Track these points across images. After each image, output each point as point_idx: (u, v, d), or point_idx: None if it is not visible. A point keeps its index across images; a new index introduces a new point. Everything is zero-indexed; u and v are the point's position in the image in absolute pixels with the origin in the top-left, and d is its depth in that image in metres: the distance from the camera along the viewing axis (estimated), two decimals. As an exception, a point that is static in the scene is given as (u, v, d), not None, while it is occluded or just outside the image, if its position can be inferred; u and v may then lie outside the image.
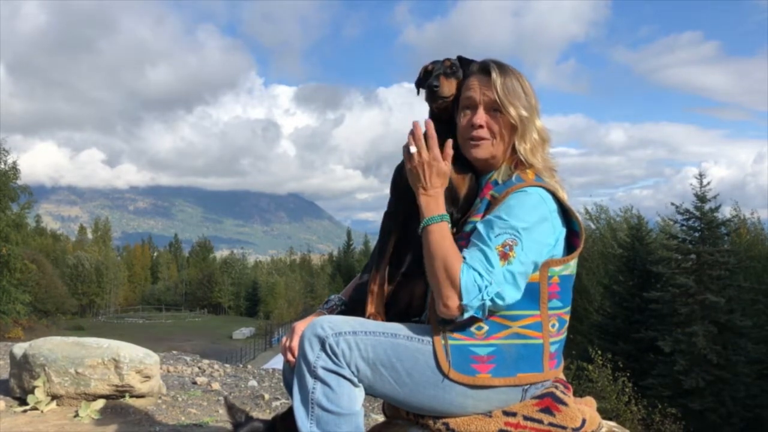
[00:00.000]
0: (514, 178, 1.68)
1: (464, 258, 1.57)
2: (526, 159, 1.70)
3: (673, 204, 21.14)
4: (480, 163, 1.76)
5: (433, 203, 1.66)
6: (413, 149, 1.67)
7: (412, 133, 1.68)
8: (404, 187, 1.76)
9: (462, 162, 1.77)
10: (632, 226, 24.85)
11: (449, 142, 1.69)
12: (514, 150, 1.72)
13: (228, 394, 4.13)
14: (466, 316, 1.55)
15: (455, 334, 1.62)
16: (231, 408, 1.86)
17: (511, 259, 1.55)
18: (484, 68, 1.73)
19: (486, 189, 1.72)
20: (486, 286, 1.53)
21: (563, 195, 1.68)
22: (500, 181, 1.71)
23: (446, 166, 1.68)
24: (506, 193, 1.63)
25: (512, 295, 1.57)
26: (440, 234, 1.61)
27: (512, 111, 1.68)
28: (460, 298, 1.53)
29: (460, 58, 1.80)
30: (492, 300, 1.54)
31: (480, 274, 1.53)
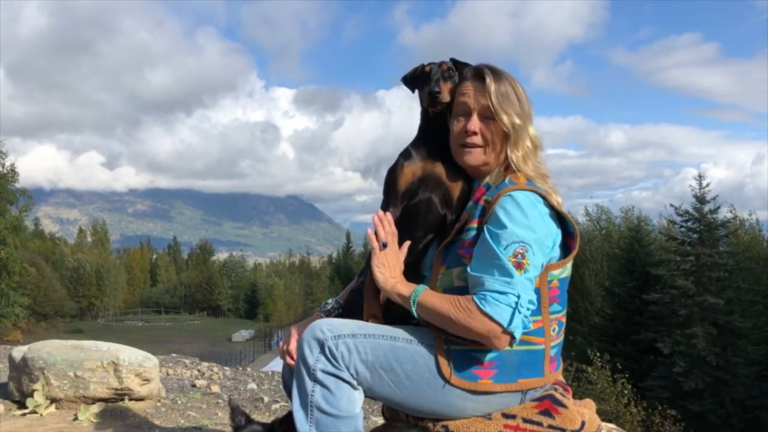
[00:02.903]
0: (507, 180, 1.68)
1: (482, 285, 1.53)
2: (517, 167, 1.70)
3: (672, 205, 21.19)
4: (472, 169, 1.76)
5: (405, 285, 1.69)
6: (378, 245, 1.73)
7: (375, 231, 1.73)
8: (397, 190, 1.77)
9: (455, 165, 1.77)
10: (631, 227, 24.88)
11: (406, 244, 1.75)
12: (507, 155, 1.72)
13: (228, 396, 4.13)
14: (519, 335, 1.52)
15: (457, 339, 1.61)
16: (233, 410, 1.86)
17: (527, 266, 1.53)
18: (479, 74, 1.73)
19: (479, 192, 1.72)
20: (516, 302, 1.50)
21: (557, 199, 1.68)
22: (492, 185, 1.71)
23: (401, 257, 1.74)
24: (498, 196, 1.62)
25: (535, 298, 1.57)
26: (433, 297, 1.62)
27: (505, 119, 1.68)
28: (500, 325, 1.49)
29: (453, 61, 1.80)
30: (527, 308, 1.53)
31: (501, 293, 1.50)
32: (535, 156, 1.74)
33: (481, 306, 1.50)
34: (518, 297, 1.50)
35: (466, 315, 1.52)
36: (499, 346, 1.53)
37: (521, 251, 1.54)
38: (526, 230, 1.56)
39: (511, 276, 1.51)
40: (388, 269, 1.71)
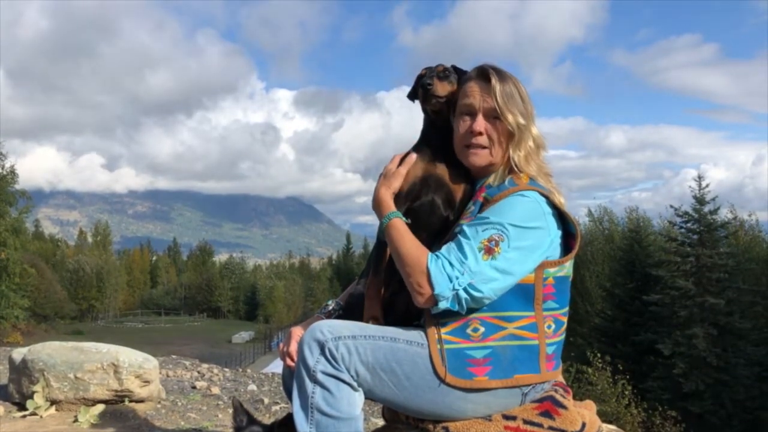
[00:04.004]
0: (507, 182, 1.69)
1: (443, 250, 1.59)
2: (518, 166, 1.71)
3: (672, 206, 21.20)
4: (477, 170, 1.77)
5: (389, 201, 1.74)
6: None
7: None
8: (400, 191, 1.77)
9: (458, 167, 1.78)
10: (631, 228, 24.88)
11: (412, 155, 1.78)
12: (509, 156, 1.73)
13: (232, 396, 4.12)
14: (442, 306, 1.56)
15: (451, 338, 1.62)
16: (236, 409, 1.86)
17: (496, 254, 1.55)
18: (483, 74, 1.74)
19: (479, 192, 1.73)
20: (457, 277, 1.53)
21: (559, 199, 1.68)
22: (494, 185, 1.71)
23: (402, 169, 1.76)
24: (499, 197, 1.64)
25: (494, 287, 1.56)
26: (404, 227, 1.67)
27: (510, 119, 1.68)
28: (432, 288, 1.55)
29: (454, 67, 1.82)
30: (467, 291, 1.54)
31: (450, 264, 1.55)
32: (538, 156, 1.74)
33: (428, 263, 1.56)
34: (461, 274, 1.54)
35: (414, 262, 1.58)
36: (420, 302, 1.60)
37: (497, 238, 1.56)
38: (511, 223, 1.58)
39: (466, 257, 1.55)
40: (387, 181, 1.77)
